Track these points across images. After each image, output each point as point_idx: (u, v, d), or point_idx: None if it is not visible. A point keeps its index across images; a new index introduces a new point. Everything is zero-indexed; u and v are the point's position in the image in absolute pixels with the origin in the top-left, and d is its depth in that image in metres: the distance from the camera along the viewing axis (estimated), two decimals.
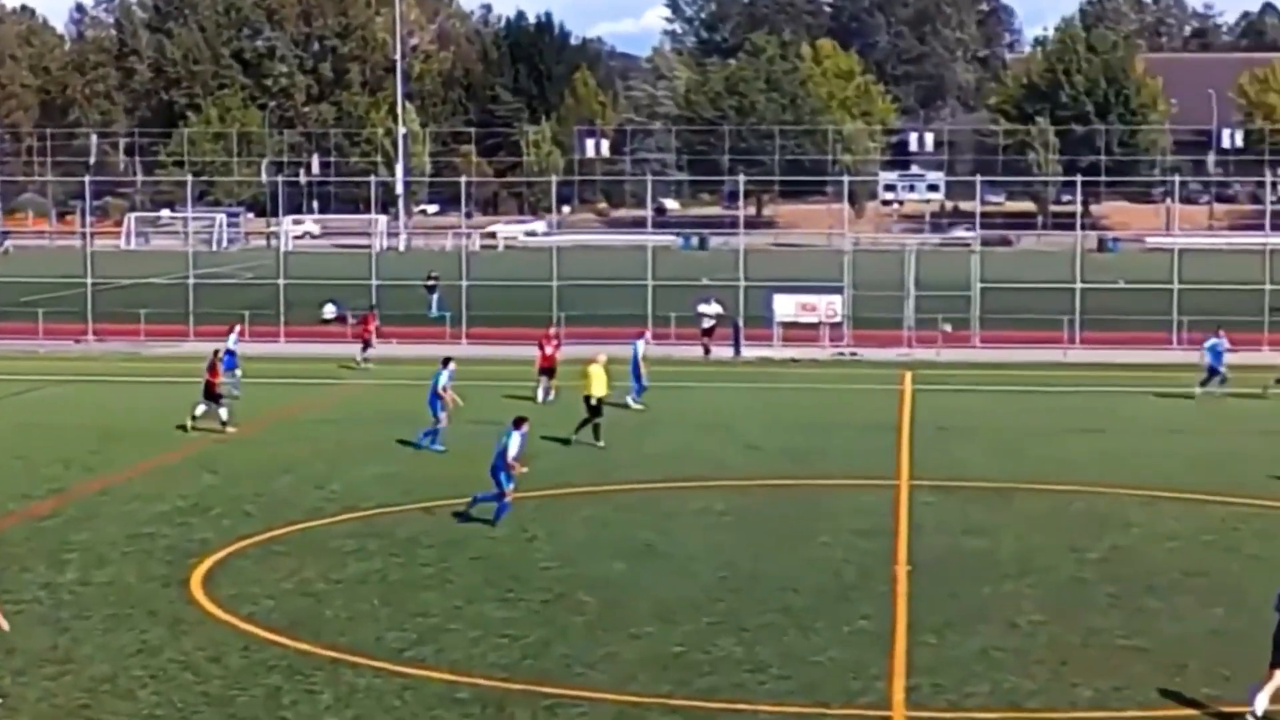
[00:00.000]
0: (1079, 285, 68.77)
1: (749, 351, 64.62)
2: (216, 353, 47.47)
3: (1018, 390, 55.81)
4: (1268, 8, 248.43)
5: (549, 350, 51.81)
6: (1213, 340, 53.27)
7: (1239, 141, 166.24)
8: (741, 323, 66.23)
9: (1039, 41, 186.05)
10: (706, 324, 65.72)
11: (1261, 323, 66.93)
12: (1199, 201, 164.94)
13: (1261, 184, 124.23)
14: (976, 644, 25.56)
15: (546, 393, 51.08)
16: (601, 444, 42.90)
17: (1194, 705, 22.95)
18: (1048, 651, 25.26)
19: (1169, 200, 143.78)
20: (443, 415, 42.80)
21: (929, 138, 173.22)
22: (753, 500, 36.95)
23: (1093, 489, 37.83)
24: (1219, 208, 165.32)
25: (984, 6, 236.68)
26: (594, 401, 43.54)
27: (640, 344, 51.24)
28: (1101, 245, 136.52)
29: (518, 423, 34.52)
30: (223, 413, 45.67)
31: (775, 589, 28.85)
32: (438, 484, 37.92)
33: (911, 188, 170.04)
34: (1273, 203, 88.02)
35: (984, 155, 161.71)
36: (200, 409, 45.67)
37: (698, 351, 64.44)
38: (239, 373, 51.92)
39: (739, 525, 34.17)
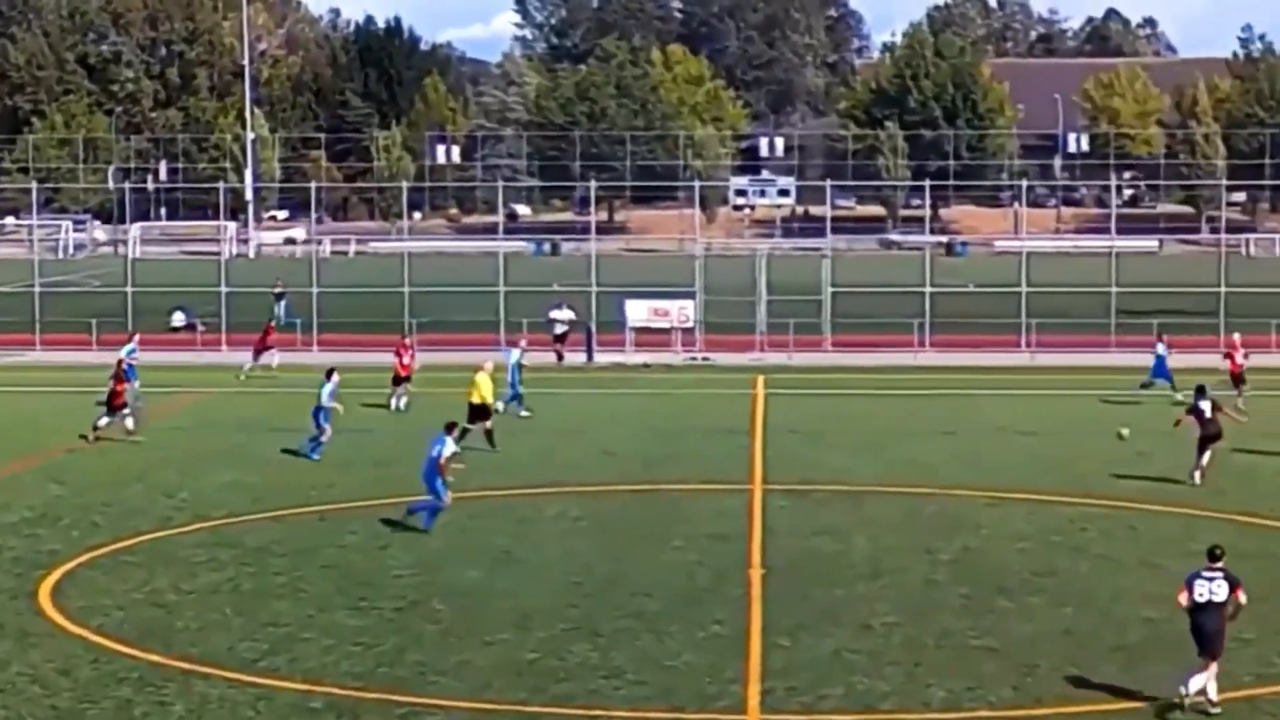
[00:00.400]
0: (928, 289, 69.35)
1: (602, 357, 64.68)
2: (120, 362, 47.00)
3: (869, 393, 56.19)
4: (1111, 13, 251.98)
5: (406, 359, 51.67)
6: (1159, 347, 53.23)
7: (1085, 146, 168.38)
8: (594, 328, 66.25)
9: (887, 47, 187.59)
10: (559, 330, 65.65)
11: (1108, 325, 67.73)
12: (1046, 205, 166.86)
13: (1107, 188, 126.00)
14: (830, 646, 25.69)
15: (399, 400, 50.96)
16: (496, 449, 42.77)
17: (1045, 704, 23.18)
18: (901, 653, 25.42)
19: (1016, 204, 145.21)
20: (327, 426, 42.36)
21: (779, 143, 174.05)
22: (608, 505, 36.96)
23: (944, 491, 38.16)
24: (1066, 211, 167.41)
25: (833, 12, 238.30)
26: (480, 407, 43.28)
27: (515, 352, 51.14)
28: (950, 249, 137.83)
29: (449, 428, 34.51)
30: (129, 423, 45.01)
31: (630, 594, 28.87)
32: (288, 492, 37.68)
33: (762, 193, 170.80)
34: (1118, 206, 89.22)
35: (834, 160, 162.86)
36: (104, 420, 44.97)
37: (551, 358, 64.38)
38: (138, 383, 51.07)
39: (594, 531, 34.17)
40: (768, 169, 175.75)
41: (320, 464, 41.18)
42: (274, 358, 60.48)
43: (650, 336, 67.02)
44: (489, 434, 43.17)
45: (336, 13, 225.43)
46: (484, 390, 43.63)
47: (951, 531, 33.90)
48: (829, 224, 76.62)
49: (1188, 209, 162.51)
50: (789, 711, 22.96)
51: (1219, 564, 23.51)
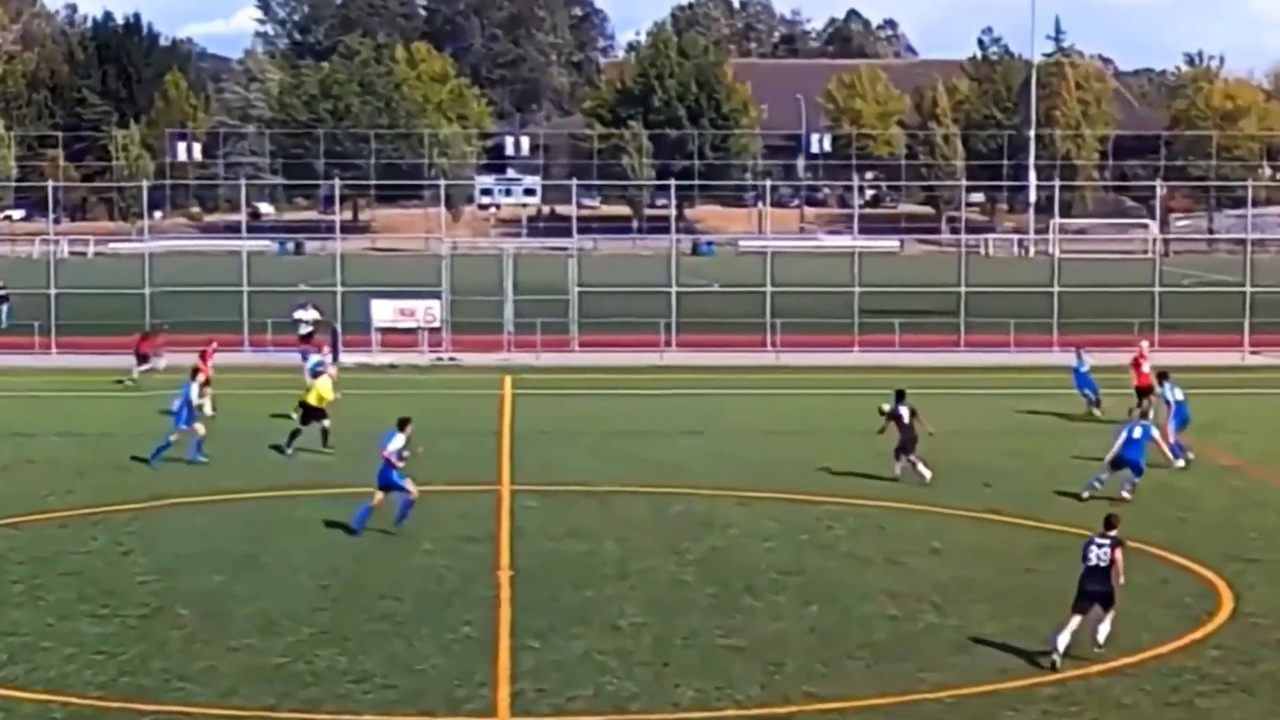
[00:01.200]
0: (674, 289, 69.78)
1: (348, 358, 64.08)
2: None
3: (617, 393, 56.36)
4: (853, 15, 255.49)
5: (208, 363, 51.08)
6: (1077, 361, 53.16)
7: (827, 146, 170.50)
8: (340, 328, 65.67)
9: (632, 46, 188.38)
10: (304, 330, 64.98)
11: (851, 324, 68.60)
12: (790, 205, 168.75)
13: (849, 188, 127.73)
14: (579, 647, 25.70)
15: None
16: (330, 448, 42.81)
17: (792, 702, 23.39)
18: (650, 653, 25.51)
19: (760, 204, 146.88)
20: (198, 425, 41.62)
21: (525, 142, 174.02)
22: (356, 509, 36.59)
23: (692, 490, 38.37)
24: (809, 211, 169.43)
25: (577, 11, 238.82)
26: (315, 408, 43.30)
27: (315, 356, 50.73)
28: (696, 248, 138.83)
29: (401, 424, 34.39)
30: None
31: (378, 597, 28.67)
32: (26, 499, 36.90)
33: (508, 192, 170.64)
34: (860, 206, 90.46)
35: (580, 159, 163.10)
36: None
37: (296, 358, 63.69)
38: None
39: (341, 534, 33.83)
40: (513, 168, 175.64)
41: (58, 470, 40.37)
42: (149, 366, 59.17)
43: (396, 337, 66.63)
44: (325, 433, 43.16)
45: (73, 8, 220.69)
46: (322, 390, 43.74)
47: (700, 531, 34.10)
48: (575, 223, 76.59)
49: (928, 209, 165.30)
50: (539, 714, 22.94)
51: (1111, 532, 24.34)
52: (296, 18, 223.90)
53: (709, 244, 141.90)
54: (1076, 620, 25.00)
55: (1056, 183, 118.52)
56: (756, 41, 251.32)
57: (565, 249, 75.81)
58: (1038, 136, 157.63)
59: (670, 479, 39.87)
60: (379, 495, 34.04)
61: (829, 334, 68.71)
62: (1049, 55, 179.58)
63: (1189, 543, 32.74)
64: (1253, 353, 66.71)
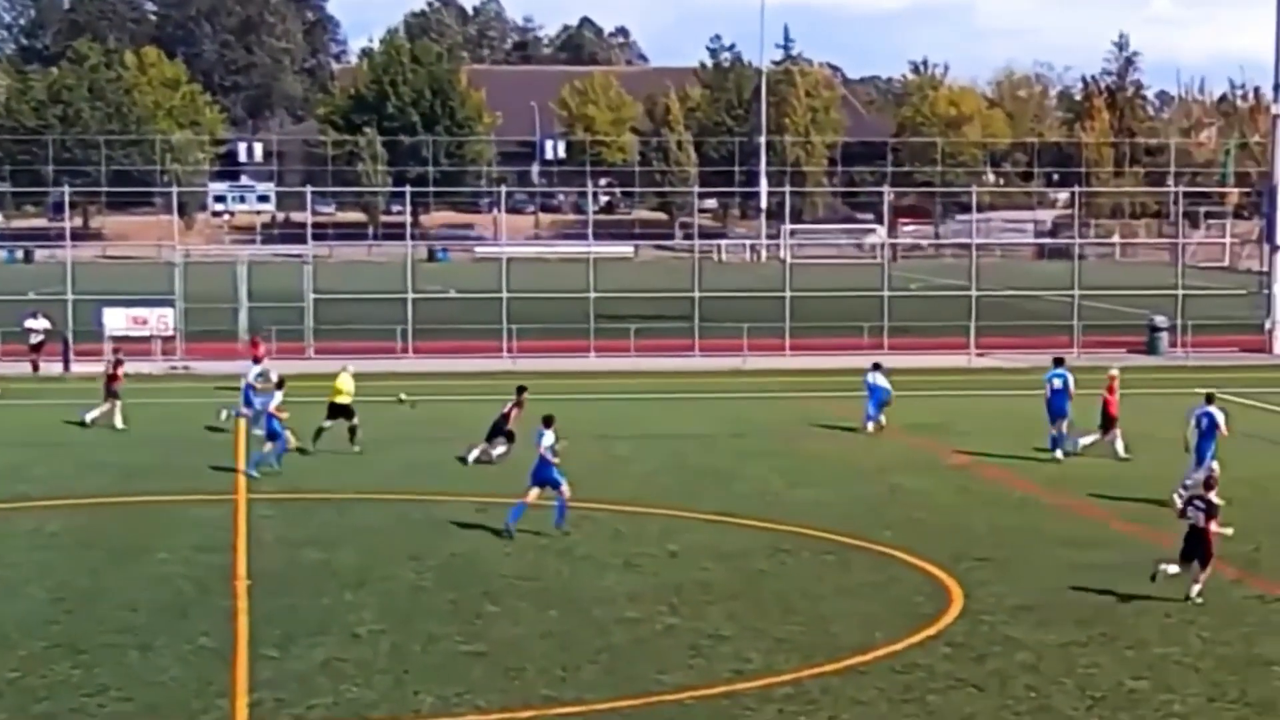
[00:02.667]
0: (410, 295, 69.65)
1: (79, 367, 63.09)
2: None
3: (355, 400, 55.97)
4: (585, 22, 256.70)
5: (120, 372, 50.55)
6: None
7: (562, 153, 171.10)
8: (71, 337, 64.61)
9: (365, 52, 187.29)
10: (35, 339, 63.86)
11: (588, 329, 68.97)
12: (525, 211, 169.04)
13: (584, 194, 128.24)
14: (319, 656, 25.60)
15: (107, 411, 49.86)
16: (358, 447, 43.93)
17: (532, 706, 23.51)
18: (389, 660, 25.48)
19: (496, 210, 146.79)
20: (288, 434, 41.88)
21: (258, 148, 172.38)
22: (88, 519, 36.10)
23: (431, 497, 38.37)
24: (544, 217, 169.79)
25: (309, 16, 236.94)
26: (342, 406, 44.82)
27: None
28: (432, 255, 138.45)
29: (547, 421, 34.92)
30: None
31: (113, 609, 28.29)
32: None
33: (242, 199, 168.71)
34: (595, 212, 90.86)
35: (314, 166, 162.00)
36: None
37: (27, 368, 62.58)
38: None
39: (74, 545, 33.33)
40: (247, 175, 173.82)
41: None
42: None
43: (130, 345, 65.60)
44: (353, 431, 44.46)
45: None
46: (345, 389, 45.15)
47: (439, 537, 34.12)
48: (310, 230, 76.01)
49: (662, 215, 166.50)
50: None
51: (1210, 493, 28.63)
52: (23, 22, 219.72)
53: (444, 250, 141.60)
54: (1175, 568, 28.40)
55: (787, 189, 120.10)
56: (490, 48, 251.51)
57: (300, 256, 75.25)
58: (768, 143, 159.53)
59: (409, 486, 39.84)
60: (534, 492, 34.68)
61: (565, 339, 69.02)
62: (778, 63, 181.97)
63: (920, 542, 33.40)
64: (979, 355, 68.24)
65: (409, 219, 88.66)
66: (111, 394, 49.50)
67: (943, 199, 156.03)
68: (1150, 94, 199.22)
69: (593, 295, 70.84)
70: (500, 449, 43.06)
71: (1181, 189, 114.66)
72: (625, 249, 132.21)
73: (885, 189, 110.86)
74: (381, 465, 43.13)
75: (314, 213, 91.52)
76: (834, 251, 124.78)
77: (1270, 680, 24.46)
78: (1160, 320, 71.27)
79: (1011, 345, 70.09)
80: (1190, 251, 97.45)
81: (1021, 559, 32.37)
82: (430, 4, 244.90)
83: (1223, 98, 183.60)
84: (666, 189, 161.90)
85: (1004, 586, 29.97)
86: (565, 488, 34.68)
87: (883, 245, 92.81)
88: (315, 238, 77.01)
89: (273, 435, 40.23)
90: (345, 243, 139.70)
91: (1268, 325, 71.42)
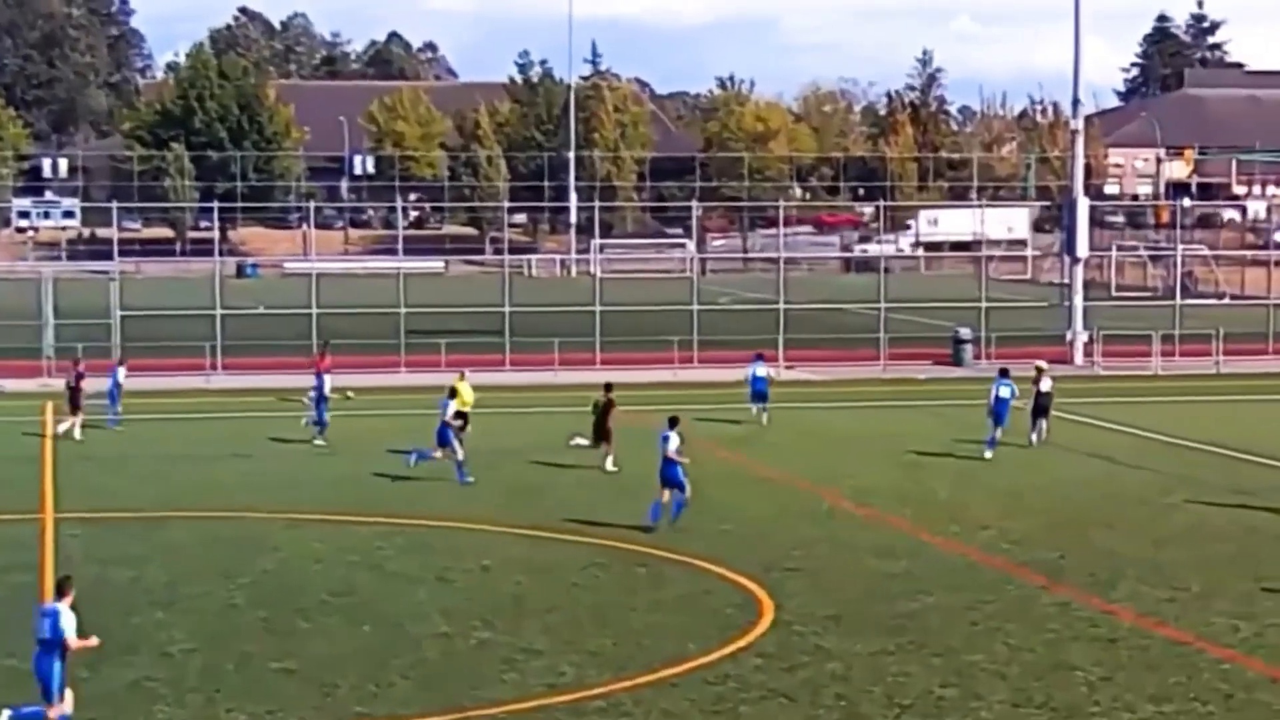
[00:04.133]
0: (219, 311, 69.11)
1: None
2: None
3: (164, 417, 55.56)
4: (393, 36, 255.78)
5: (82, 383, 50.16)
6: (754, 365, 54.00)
7: (371, 168, 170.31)
8: None
9: (171, 67, 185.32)
10: None
11: (398, 345, 68.80)
12: (334, 227, 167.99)
13: (393, 209, 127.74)
14: (129, 676, 25.36)
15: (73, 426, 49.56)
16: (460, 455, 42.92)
17: None
18: (200, 679, 25.30)
19: (305, 225, 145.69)
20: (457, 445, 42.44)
21: (63, 164, 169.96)
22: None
23: (241, 514, 38.14)
24: (354, 233, 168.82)
25: (114, 30, 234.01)
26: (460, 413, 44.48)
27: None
28: (241, 271, 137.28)
29: (672, 422, 36.58)
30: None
31: None
32: None
33: (46, 214, 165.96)
34: (404, 227, 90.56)
35: (120, 181, 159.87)
36: None
37: None
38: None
39: None
40: (51, 190, 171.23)
41: None
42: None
43: None
44: (459, 439, 43.65)
45: None
46: (465, 396, 45.63)
47: (249, 555, 33.91)
48: (116, 246, 75.09)
49: (472, 230, 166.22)
50: None
51: None
52: None
53: (254, 266, 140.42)
54: None
55: (596, 204, 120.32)
56: (297, 63, 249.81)
57: (107, 272, 74.31)
58: (578, 158, 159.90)
59: (219, 503, 39.56)
60: (666, 492, 35.97)
61: (376, 355, 68.72)
62: (587, 79, 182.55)
63: (730, 553, 33.69)
64: (787, 367, 68.79)
65: (217, 234, 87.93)
66: (75, 406, 49.33)
67: (750, 213, 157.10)
68: (953, 109, 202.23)
69: (403, 310, 70.66)
70: (585, 441, 44.67)
71: (984, 203, 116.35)
72: (436, 264, 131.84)
73: (694, 203, 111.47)
74: (190, 482, 42.77)
75: (120, 228, 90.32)
76: (644, 266, 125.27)
77: (1075, 686, 24.95)
78: (965, 332, 72.35)
79: (819, 358, 70.82)
80: (993, 264, 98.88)
81: (831, 569, 32.77)
82: (237, 18, 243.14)
83: (1023, 113, 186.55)
84: (476, 204, 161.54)
85: (814, 596, 30.31)
86: (688, 488, 36.21)
87: (692, 259, 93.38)
88: (122, 254, 76.05)
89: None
90: (153, 259, 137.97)
91: (1069, 336, 72.69)
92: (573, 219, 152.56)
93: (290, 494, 40.88)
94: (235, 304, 76.03)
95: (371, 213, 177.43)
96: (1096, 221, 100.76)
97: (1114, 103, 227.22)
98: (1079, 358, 72.04)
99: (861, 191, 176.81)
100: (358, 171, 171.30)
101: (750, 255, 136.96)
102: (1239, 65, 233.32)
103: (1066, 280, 76.66)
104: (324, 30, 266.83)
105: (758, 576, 31.70)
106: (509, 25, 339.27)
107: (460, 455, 42.48)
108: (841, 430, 49.47)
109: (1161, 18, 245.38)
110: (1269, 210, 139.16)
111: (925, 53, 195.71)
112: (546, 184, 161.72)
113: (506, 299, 71.62)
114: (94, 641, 22.78)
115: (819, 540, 35.73)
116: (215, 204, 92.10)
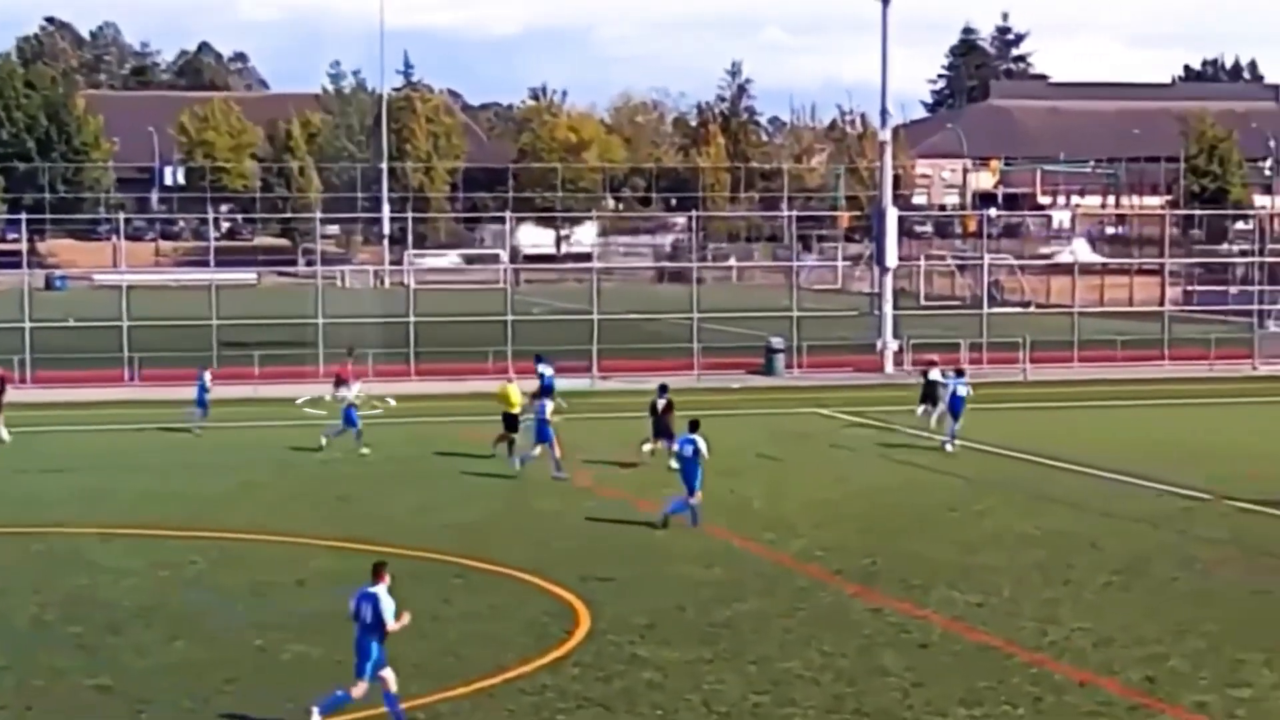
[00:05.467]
0: (28, 324, 68.18)
1: None
2: None
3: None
4: (204, 46, 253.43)
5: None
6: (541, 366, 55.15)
7: (181, 179, 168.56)
8: None
9: None
10: None
11: (211, 357, 68.14)
12: (145, 238, 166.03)
13: (205, 220, 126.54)
14: None
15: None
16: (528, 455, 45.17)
17: None
18: (12, 697, 25.00)
19: (115, 237, 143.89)
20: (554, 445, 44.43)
21: None
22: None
23: (53, 529, 37.69)
24: (165, 244, 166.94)
25: None
26: (512, 416, 47.06)
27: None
28: (49, 283, 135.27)
29: (694, 426, 38.62)
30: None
31: None
32: None
33: None
34: (216, 239, 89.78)
35: None
36: None
37: None
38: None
39: None
40: None
41: None
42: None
43: None
44: (511, 443, 46.48)
45: None
46: (513, 399, 47.34)
47: (61, 569, 33.53)
48: None
49: (285, 241, 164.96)
50: None
51: None
52: None
53: (62, 279, 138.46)
54: None
55: (410, 214, 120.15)
56: (107, 73, 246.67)
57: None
58: (390, 169, 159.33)
59: (31, 517, 39.05)
60: (694, 496, 37.54)
61: (188, 368, 67.94)
62: (399, 89, 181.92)
63: (547, 564, 33.78)
64: (602, 377, 69.04)
65: (25, 246, 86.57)
66: None
67: (564, 224, 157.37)
68: (763, 120, 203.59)
69: (215, 322, 70.08)
70: (651, 446, 46.48)
71: (795, 213, 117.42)
72: (248, 276, 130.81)
73: (507, 214, 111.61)
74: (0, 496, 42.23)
75: None
76: (458, 276, 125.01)
77: (888, 691, 25.31)
78: (776, 341, 72.97)
79: (633, 368, 71.08)
80: (804, 274, 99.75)
81: (646, 577, 32.97)
82: (44, 27, 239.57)
83: (833, 124, 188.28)
84: (289, 215, 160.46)
85: (630, 605, 30.49)
86: (698, 494, 37.65)
87: (505, 270, 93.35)
88: None
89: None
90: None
91: (879, 346, 73.55)
92: (386, 230, 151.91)
93: (103, 508, 40.45)
94: (44, 317, 74.99)
95: (183, 224, 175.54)
96: (905, 231, 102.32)
97: (921, 114, 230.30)
98: (889, 366, 72.91)
99: (674, 202, 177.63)
100: (168, 182, 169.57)
101: (565, 266, 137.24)
102: (1043, 77, 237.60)
103: (876, 290, 77.52)
104: (134, 40, 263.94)
105: (573, 586, 31.82)
106: (320, 36, 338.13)
107: (558, 453, 44.59)
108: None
109: (967, 30, 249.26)
110: (1073, 220, 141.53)
111: (735, 63, 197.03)
112: (359, 195, 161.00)
113: (319, 310, 71.26)
114: (406, 619, 23.61)
115: (634, 548, 35.94)
116: (23, 216, 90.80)
